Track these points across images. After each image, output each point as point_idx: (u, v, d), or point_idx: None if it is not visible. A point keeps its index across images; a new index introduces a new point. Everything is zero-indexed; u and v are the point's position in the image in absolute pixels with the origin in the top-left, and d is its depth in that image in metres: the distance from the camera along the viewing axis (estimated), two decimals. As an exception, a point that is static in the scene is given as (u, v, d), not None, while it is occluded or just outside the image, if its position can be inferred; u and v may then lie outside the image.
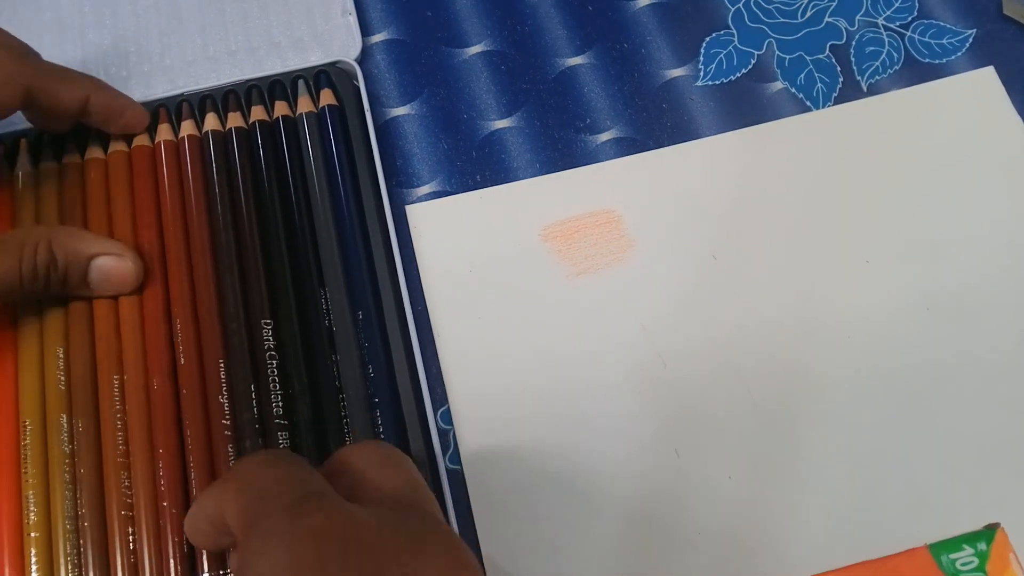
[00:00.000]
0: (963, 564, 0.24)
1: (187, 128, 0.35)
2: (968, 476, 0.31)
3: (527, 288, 0.34)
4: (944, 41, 0.38)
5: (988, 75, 0.37)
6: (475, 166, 0.37)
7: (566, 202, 0.35)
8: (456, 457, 0.32)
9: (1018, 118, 0.36)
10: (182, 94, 0.36)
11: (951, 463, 0.31)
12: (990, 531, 0.25)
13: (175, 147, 0.35)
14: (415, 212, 0.36)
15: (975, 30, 0.38)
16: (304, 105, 0.35)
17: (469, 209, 0.35)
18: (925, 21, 0.39)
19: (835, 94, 0.37)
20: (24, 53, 0.31)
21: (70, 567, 0.29)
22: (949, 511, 0.30)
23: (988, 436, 0.31)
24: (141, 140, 0.35)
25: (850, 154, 0.36)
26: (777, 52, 0.38)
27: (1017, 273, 0.34)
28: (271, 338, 0.31)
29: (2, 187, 0.34)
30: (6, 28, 0.32)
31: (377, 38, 0.39)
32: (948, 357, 0.32)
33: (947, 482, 0.30)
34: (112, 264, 0.31)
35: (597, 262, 0.34)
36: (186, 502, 0.30)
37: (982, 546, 0.24)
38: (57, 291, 0.31)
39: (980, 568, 0.24)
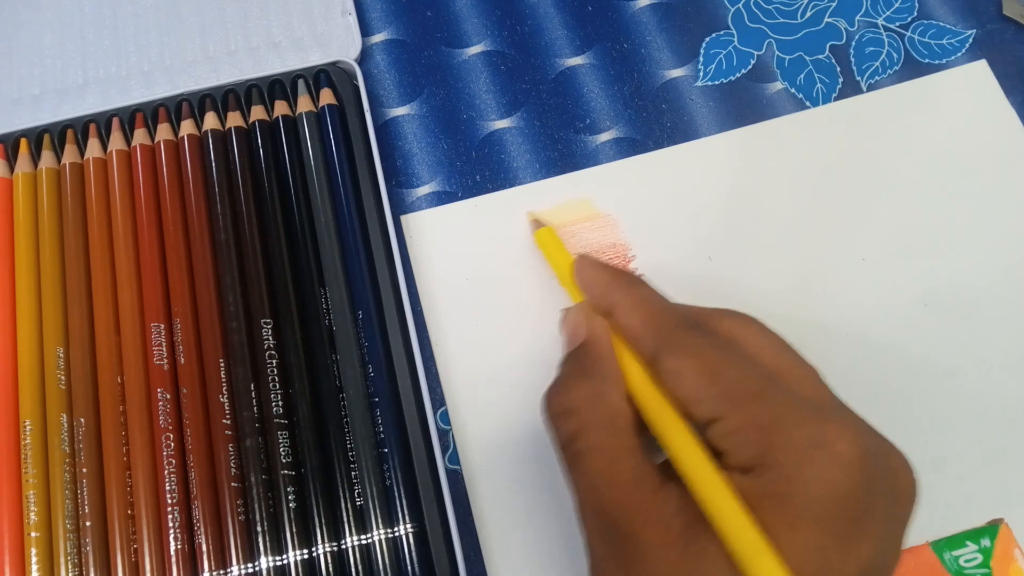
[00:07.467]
0: (967, 561, 0.24)
1: (187, 128, 0.35)
2: (969, 472, 0.31)
3: (524, 292, 0.34)
4: (944, 41, 0.38)
5: (981, 68, 0.37)
6: (475, 166, 0.37)
7: (563, 206, 0.35)
8: (456, 457, 0.32)
9: (1012, 111, 0.36)
10: (182, 94, 0.36)
11: (951, 459, 0.31)
12: (993, 527, 0.25)
13: (175, 147, 0.35)
14: (410, 222, 0.35)
15: (975, 30, 0.38)
16: (304, 105, 0.35)
17: (464, 217, 0.35)
18: (925, 21, 0.39)
19: (835, 94, 0.37)
20: None
21: (71, 567, 0.29)
22: (950, 508, 0.30)
23: (988, 431, 0.31)
24: (142, 139, 0.35)
25: (844, 150, 0.36)
26: (777, 52, 0.38)
27: (1014, 267, 0.34)
28: (271, 338, 0.31)
29: (2, 187, 0.34)
30: (6, 28, 0.31)
31: (377, 38, 0.39)
32: (946, 352, 0.32)
33: (948, 479, 0.30)
34: None
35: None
36: (187, 502, 0.29)
37: (986, 542, 0.24)
38: None
39: (984, 564, 0.24)
